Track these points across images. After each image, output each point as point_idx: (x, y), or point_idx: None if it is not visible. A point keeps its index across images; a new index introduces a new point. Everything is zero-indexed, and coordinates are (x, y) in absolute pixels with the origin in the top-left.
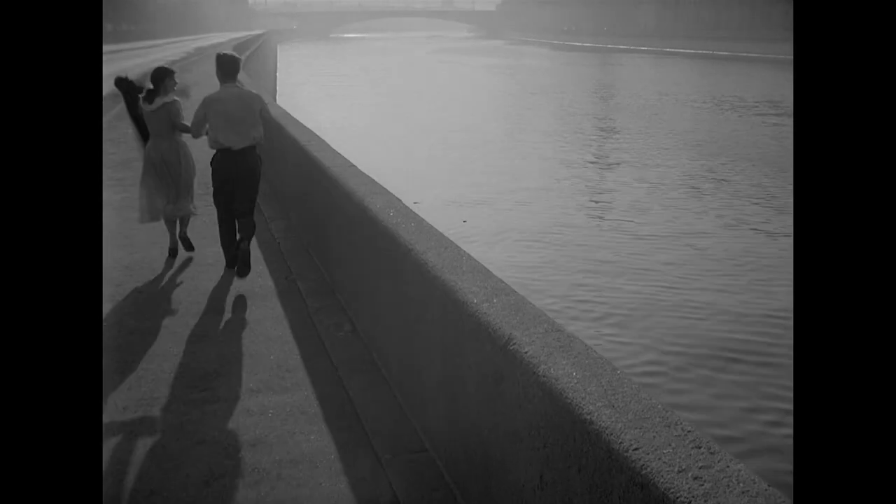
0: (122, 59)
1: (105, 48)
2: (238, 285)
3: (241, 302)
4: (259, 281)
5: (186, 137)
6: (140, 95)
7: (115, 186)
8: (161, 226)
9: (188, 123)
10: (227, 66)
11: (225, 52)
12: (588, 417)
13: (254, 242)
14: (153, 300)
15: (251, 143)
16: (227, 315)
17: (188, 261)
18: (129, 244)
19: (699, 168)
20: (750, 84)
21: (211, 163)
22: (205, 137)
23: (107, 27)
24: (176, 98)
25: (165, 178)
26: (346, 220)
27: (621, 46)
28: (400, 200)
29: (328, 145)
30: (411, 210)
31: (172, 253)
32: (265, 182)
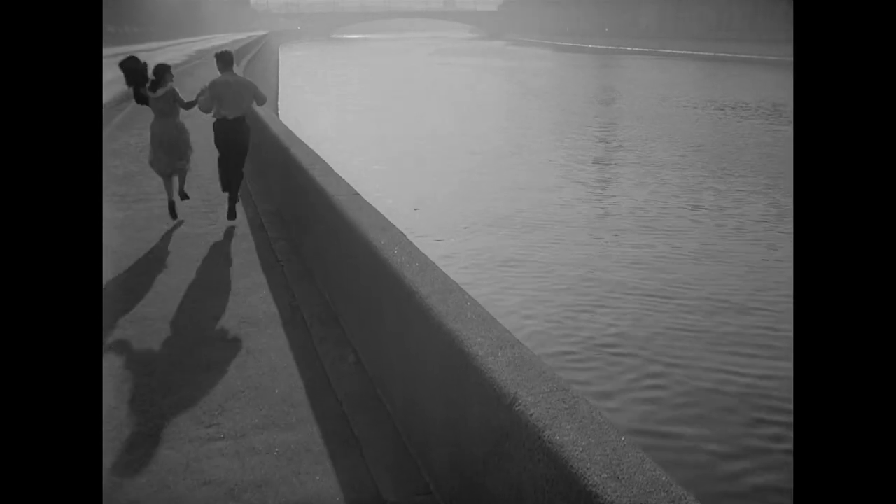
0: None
1: (106, 51)
2: (243, 312)
3: (246, 330)
4: (263, 307)
5: (192, 114)
6: (146, 85)
7: (118, 203)
8: (164, 244)
9: (190, 100)
10: (226, 59)
11: (223, 49)
12: (593, 490)
13: (258, 266)
14: (156, 326)
15: (242, 113)
16: (233, 343)
17: (193, 284)
18: (131, 266)
19: (701, 174)
20: (755, 87)
21: (213, 127)
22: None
23: (108, 29)
24: (174, 87)
25: (165, 147)
26: (349, 252)
27: (623, 48)
28: (404, 235)
29: (332, 170)
30: (416, 248)
31: (171, 207)
32: (269, 201)
